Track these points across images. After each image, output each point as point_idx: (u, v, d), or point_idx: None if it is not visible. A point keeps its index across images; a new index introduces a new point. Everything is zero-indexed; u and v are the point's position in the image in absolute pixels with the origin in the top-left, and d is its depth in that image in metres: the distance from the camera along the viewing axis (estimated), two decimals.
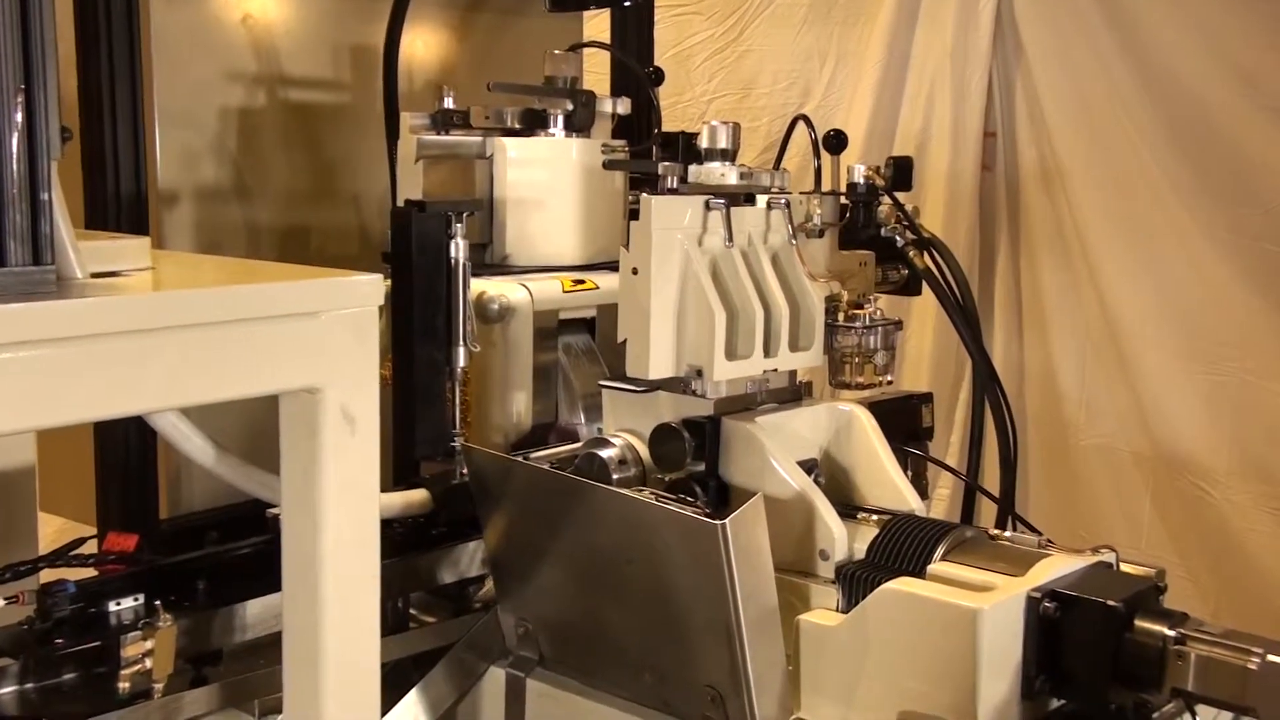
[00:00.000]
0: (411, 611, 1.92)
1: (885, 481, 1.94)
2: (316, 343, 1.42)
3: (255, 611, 1.64)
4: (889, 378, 2.08)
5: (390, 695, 1.80)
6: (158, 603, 1.49)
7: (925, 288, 2.31)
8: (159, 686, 1.48)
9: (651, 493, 1.69)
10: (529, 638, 1.83)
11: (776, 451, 1.83)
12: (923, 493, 2.37)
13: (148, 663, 1.46)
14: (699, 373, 1.87)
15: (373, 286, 1.46)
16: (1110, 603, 1.54)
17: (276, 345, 1.38)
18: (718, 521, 1.53)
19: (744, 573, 1.57)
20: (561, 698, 1.79)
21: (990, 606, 1.53)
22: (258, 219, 2.29)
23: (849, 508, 1.90)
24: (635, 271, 1.86)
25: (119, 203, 2.02)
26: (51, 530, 2.25)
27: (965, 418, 3.67)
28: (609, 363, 2.16)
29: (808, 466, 1.93)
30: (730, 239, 1.90)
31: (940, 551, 1.72)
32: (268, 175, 2.31)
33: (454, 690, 1.84)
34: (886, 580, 1.66)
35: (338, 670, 1.48)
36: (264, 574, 1.57)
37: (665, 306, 1.86)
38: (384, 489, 1.83)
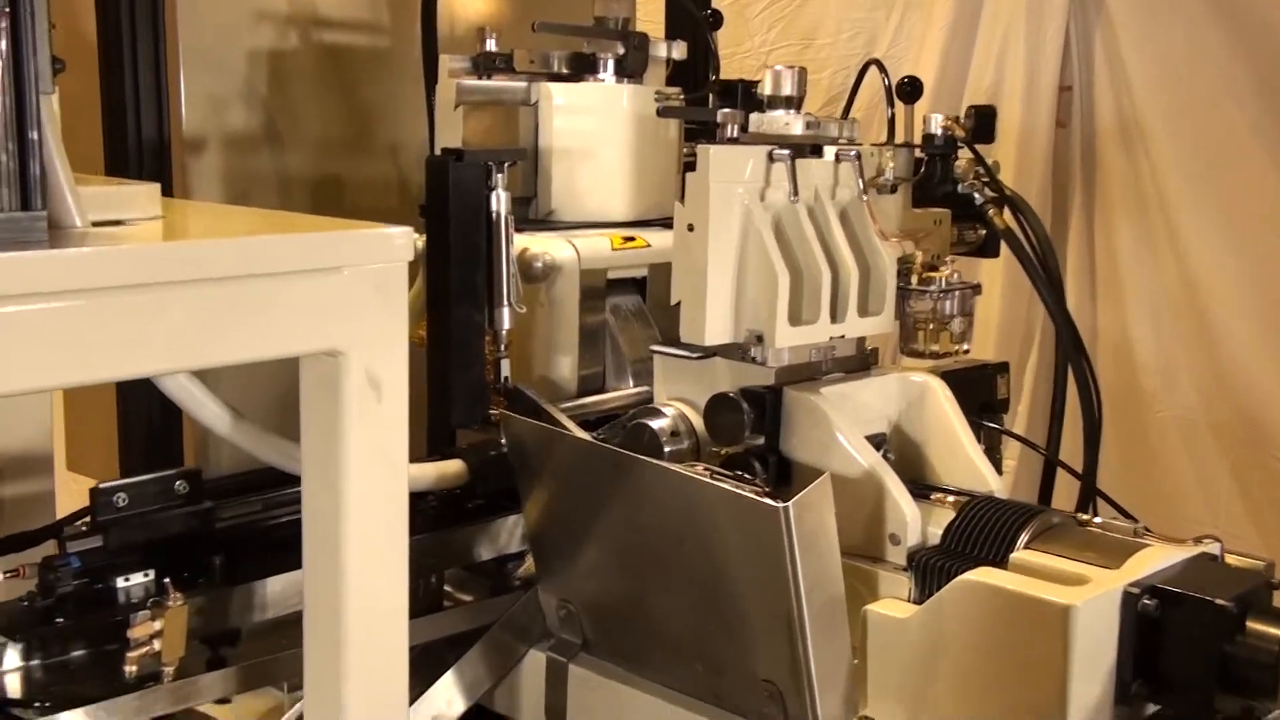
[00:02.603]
0: (447, 589, 1.79)
1: (961, 459, 1.79)
2: (339, 301, 1.29)
3: (277, 589, 1.51)
4: (965, 346, 1.92)
5: (423, 679, 1.69)
6: (167, 580, 1.36)
7: (1003, 249, 2.14)
8: (169, 670, 1.36)
9: (705, 468, 1.55)
10: (572, 619, 1.70)
11: (843, 425, 1.68)
12: (997, 468, 2.22)
13: (156, 644, 1.33)
14: (759, 339, 1.73)
15: (401, 240, 1.33)
16: (1220, 602, 1.40)
17: (294, 303, 1.26)
18: (780, 504, 1.39)
19: (808, 560, 1.43)
20: (606, 685, 1.67)
21: (1083, 603, 1.39)
22: (289, 169, 2.16)
23: (921, 487, 1.75)
24: (691, 228, 1.71)
25: (140, 151, 1.90)
26: (80, 491, 2.14)
27: (1034, 387, 3.51)
28: (661, 326, 2.02)
29: (876, 441, 1.79)
30: (795, 193, 1.74)
31: (1024, 538, 1.58)
32: (300, 122, 2.17)
33: (491, 674, 1.71)
34: (964, 569, 1.52)
35: (361, 655, 1.37)
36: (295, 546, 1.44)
37: (723, 266, 1.72)
38: (416, 459, 1.71)
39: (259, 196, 2.13)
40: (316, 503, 1.35)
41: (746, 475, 1.56)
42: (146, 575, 1.38)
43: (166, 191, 1.87)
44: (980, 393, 2.20)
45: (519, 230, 1.93)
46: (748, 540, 1.46)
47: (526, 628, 1.72)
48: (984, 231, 2.15)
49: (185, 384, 1.36)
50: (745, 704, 1.54)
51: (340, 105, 2.23)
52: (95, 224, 1.22)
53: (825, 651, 1.48)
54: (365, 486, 1.34)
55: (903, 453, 1.82)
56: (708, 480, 1.48)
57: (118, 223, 1.27)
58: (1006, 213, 2.11)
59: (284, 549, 1.45)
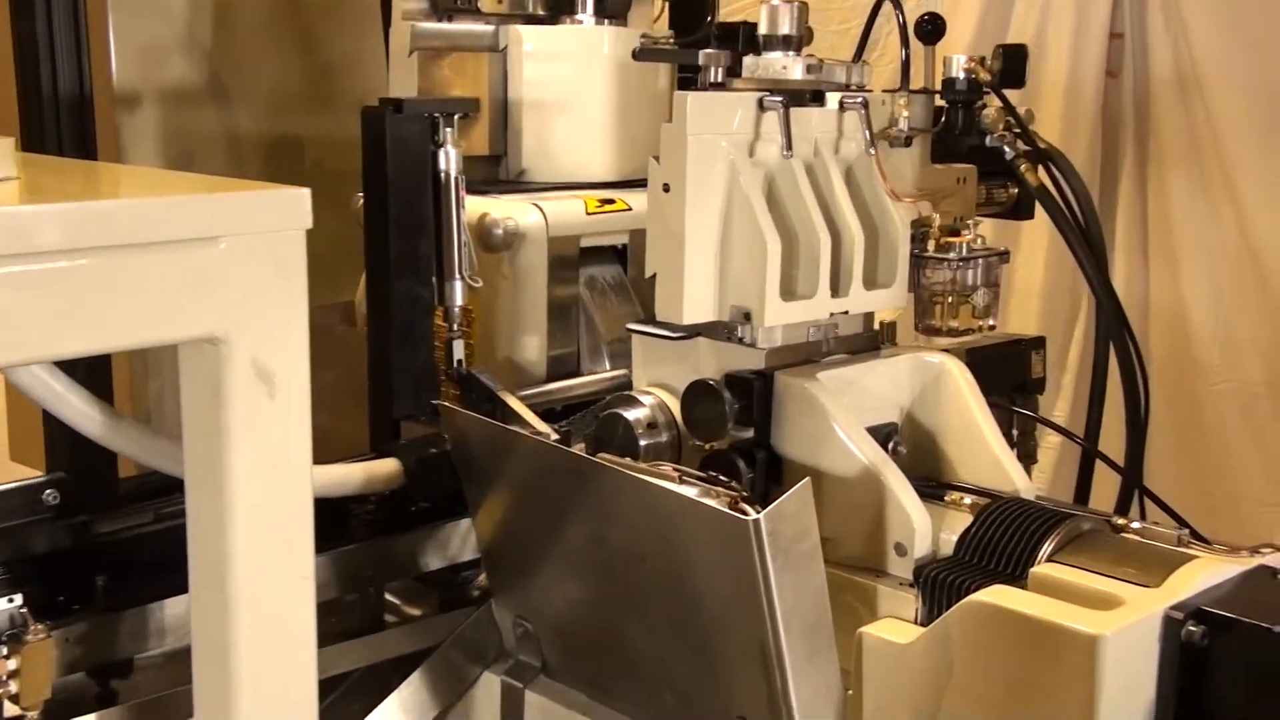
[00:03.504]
0: (394, 602, 1.58)
1: (982, 452, 1.57)
2: (216, 278, 1.08)
3: (177, 613, 1.31)
4: (990, 321, 1.68)
5: (365, 705, 1.48)
6: (24, 609, 1.16)
7: (1039, 209, 1.89)
8: (31, 716, 1.16)
9: (674, 469, 1.33)
10: (529, 639, 1.49)
11: (840, 416, 1.45)
12: (1031, 455, 2.00)
13: (13, 686, 1.13)
14: (746, 316, 1.50)
15: (295, 203, 1.11)
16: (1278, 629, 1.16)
17: (158, 282, 1.05)
18: (749, 517, 1.17)
19: (785, 580, 1.21)
20: (566, 717, 1.45)
21: (1114, 632, 1.18)
22: (239, 128, 1.96)
23: (936, 486, 1.54)
24: (667, 188, 1.49)
25: (57, 108, 1.68)
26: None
27: (1079, 359, 3.29)
28: (644, 300, 1.79)
29: (885, 433, 1.57)
30: (789, 147, 1.51)
31: (1048, 548, 1.35)
32: (250, 75, 1.97)
33: (439, 700, 1.51)
34: (978, 586, 1.30)
35: (258, 690, 1.16)
36: None
37: (704, 232, 1.50)
38: (352, 458, 1.50)
39: (204, 159, 1.93)
40: (200, 517, 1.15)
41: (722, 478, 1.33)
42: (11, 601, 1.18)
43: (93, 155, 1.68)
44: (1013, 372, 1.98)
45: (483, 193, 1.73)
46: (716, 556, 1.25)
47: (480, 647, 1.51)
48: (1016, 190, 1.90)
49: (42, 376, 1.15)
50: None
51: (297, 55, 2.02)
52: None
53: (808, 684, 1.26)
54: (256, 497, 1.13)
55: (917, 445, 1.60)
56: (668, 486, 1.25)
57: None
58: (1042, 169, 1.87)
59: (183, 566, 1.24)
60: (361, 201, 1.59)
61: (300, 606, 1.18)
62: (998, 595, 1.26)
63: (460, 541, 1.55)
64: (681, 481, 1.31)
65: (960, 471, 1.58)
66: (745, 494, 1.31)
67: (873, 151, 1.60)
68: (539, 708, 1.48)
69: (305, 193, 1.12)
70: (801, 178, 1.54)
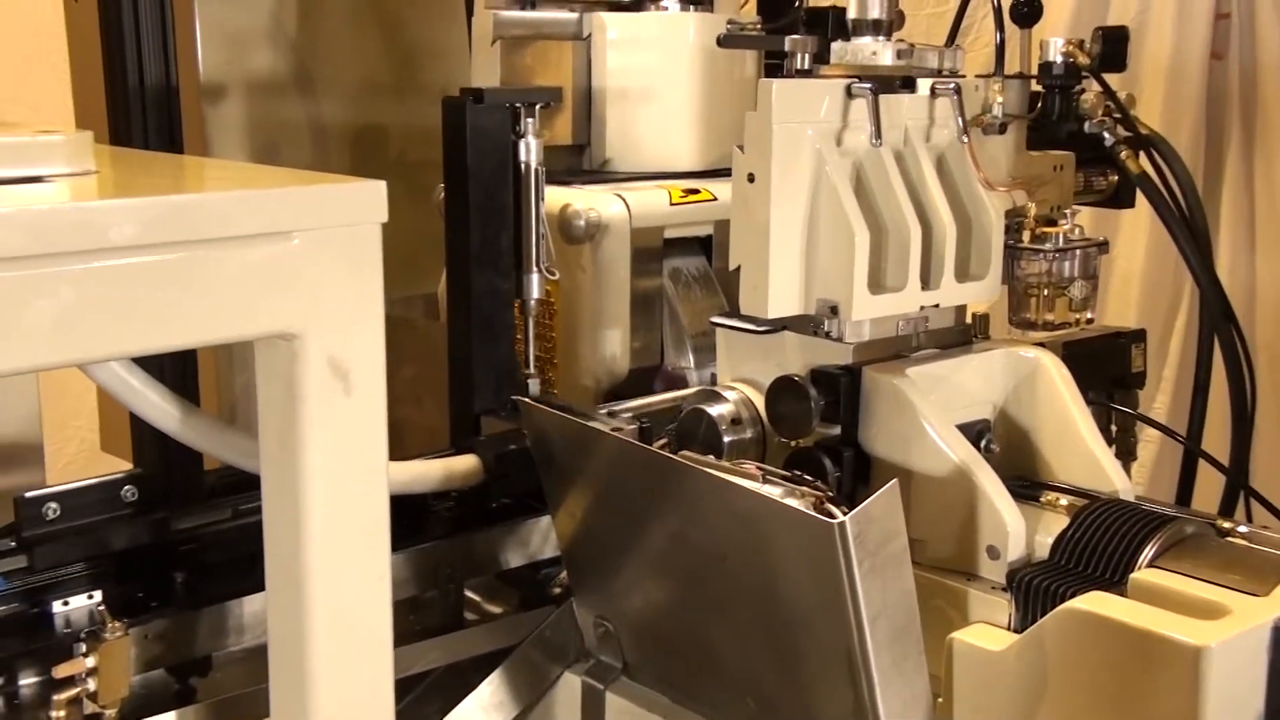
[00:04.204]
0: (475, 599, 1.56)
1: (1078, 451, 1.51)
2: (290, 273, 1.06)
3: (255, 609, 1.30)
4: (1089, 314, 1.62)
5: (445, 704, 1.46)
6: (102, 607, 1.15)
7: (1140, 197, 1.82)
8: (109, 714, 1.15)
9: (757, 467, 1.29)
10: (610, 639, 1.46)
11: (931, 414, 1.41)
12: (1130, 452, 1.94)
13: (91, 684, 1.13)
14: (833, 310, 1.46)
15: (371, 197, 1.09)
16: None
17: (231, 278, 1.03)
18: (834, 520, 1.13)
19: (871, 586, 1.16)
20: (646, 718, 1.42)
21: (1219, 643, 1.12)
22: (323, 118, 1.94)
23: (1031, 486, 1.48)
24: (751, 178, 1.44)
25: (143, 100, 1.68)
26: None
27: (1181, 351, 3.18)
28: (729, 293, 1.75)
29: (977, 431, 1.51)
30: (879, 135, 1.46)
31: (1149, 552, 1.29)
32: (336, 65, 1.95)
33: (518, 699, 1.48)
34: (1074, 592, 1.25)
35: (334, 692, 1.15)
36: None
37: (790, 224, 1.45)
38: (431, 454, 1.48)
39: (289, 150, 1.92)
40: (276, 515, 1.13)
41: (807, 477, 1.29)
42: (90, 598, 1.18)
43: (179, 148, 1.67)
44: (1111, 366, 1.91)
45: (566, 183, 1.69)
46: (800, 558, 1.21)
47: (560, 647, 1.48)
48: (1116, 178, 1.83)
49: (119, 372, 1.15)
50: None
51: (382, 45, 2.00)
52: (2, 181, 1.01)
53: (896, 692, 1.21)
54: (331, 495, 1.11)
55: (1010, 443, 1.54)
56: (750, 487, 1.22)
57: (35, 179, 1.06)
58: (1144, 155, 1.79)
59: (261, 563, 1.23)
60: (443, 193, 1.57)
61: (376, 606, 1.16)
62: (1096, 602, 1.21)
63: (541, 539, 1.53)
64: (765, 481, 1.28)
65: (1055, 471, 1.52)
66: (831, 494, 1.27)
67: (965, 139, 1.54)
68: (619, 709, 1.45)
69: (380, 185, 1.10)
70: (891, 167, 1.49)
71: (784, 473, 1.29)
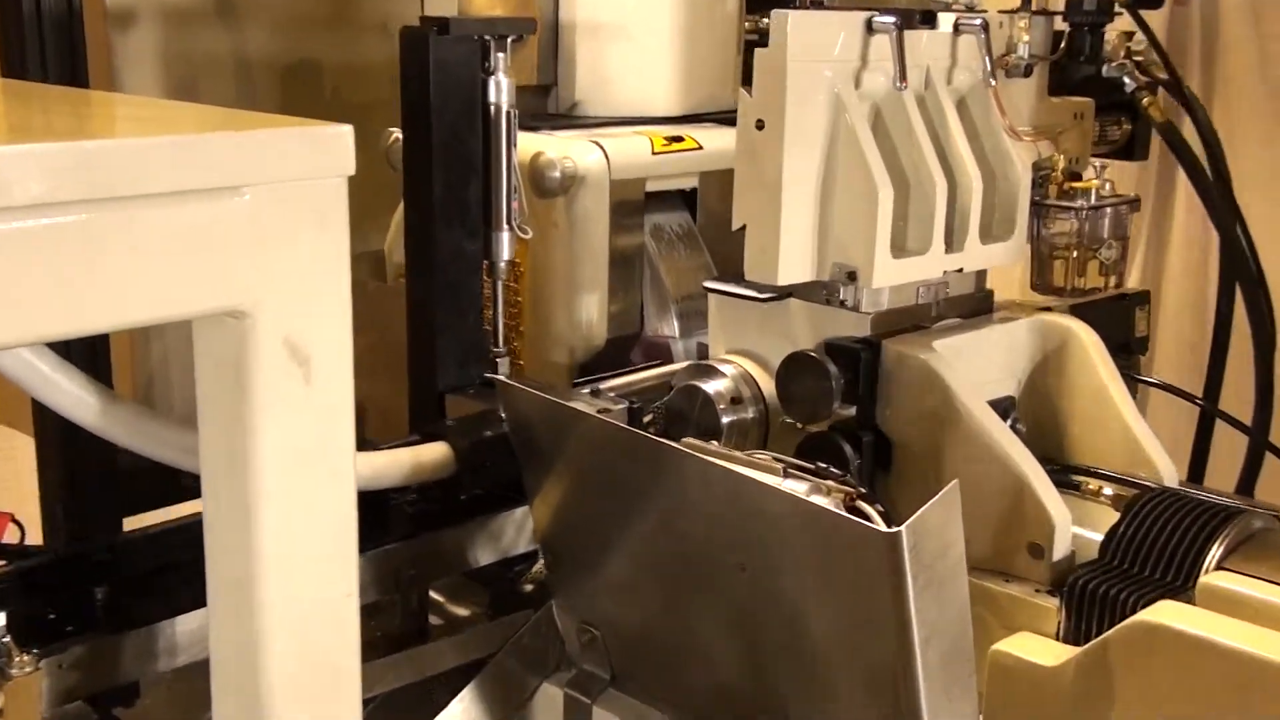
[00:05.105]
0: (438, 598, 1.38)
1: (1115, 431, 1.37)
2: (238, 237, 0.87)
3: (190, 629, 1.10)
4: (1119, 279, 1.46)
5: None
6: (7, 639, 0.95)
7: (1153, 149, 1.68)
8: None
9: (775, 459, 1.12)
10: (596, 647, 1.29)
11: (965, 394, 1.24)
12: None
13: None
14: (851, 275, 1.28)
15: (334, 143, 0.90)
16: None
17: (168, 243, 0.83)
18: (888, 529, 0.96)
19: (926, 603, 1.00)
20: None
21: None
22: (249, 51, 1.72)
23: (1065, 470, 1.32)
24: (760, 125, 1.27)
25: (40, 24, 1.45)
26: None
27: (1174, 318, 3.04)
28: (717, 251, 1.56)
29: (1003, 408, 1.36)
30: (903, 77, 1.28)
31: (1216, 552, 1.14)
32: None
33: (494, 715, 1.30)
34: (1140, 599, 1.10)
35: None
36: None
37: (804, 177, 1.28)
38: (390, 443, 1.29)
39: (209, 87, 1.71)
40: (220, 523, 0.94)
41: (833, 470, 1.13)
42: None
43: (83, 82, 1.46)
44: (1117, 331, 1.76)
45: (533, 129, 1.49)
46: (837, 569, 1.04)
47: (540, 655, 1.31)
48: (1130, 127, 1.68)
49: (29, 359, 0.94)
50: None
51: None
52: None
53: (944, 718, 1.06)
54: (288, 501, 0.93)
55: (1036, 422, 1.39)
56: (771, 482, 1.05)
57: None
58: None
59: (198, 575, 1.03)
60: (395, 138, 1.37)
61: (341, 625, 0.98)
62: (1172, 615, 1.06)
63: (515, 532, 1.35)
64: (786, 475, 1.11)
65: (1088, 453, 1.37)
66: (862, 490, 1.11)
67: (993, 82, 1.37)
68: None
69: (347, 131, 0.91)
70: (914, 113, 1.32)
71: (805, 464, 1.12)
